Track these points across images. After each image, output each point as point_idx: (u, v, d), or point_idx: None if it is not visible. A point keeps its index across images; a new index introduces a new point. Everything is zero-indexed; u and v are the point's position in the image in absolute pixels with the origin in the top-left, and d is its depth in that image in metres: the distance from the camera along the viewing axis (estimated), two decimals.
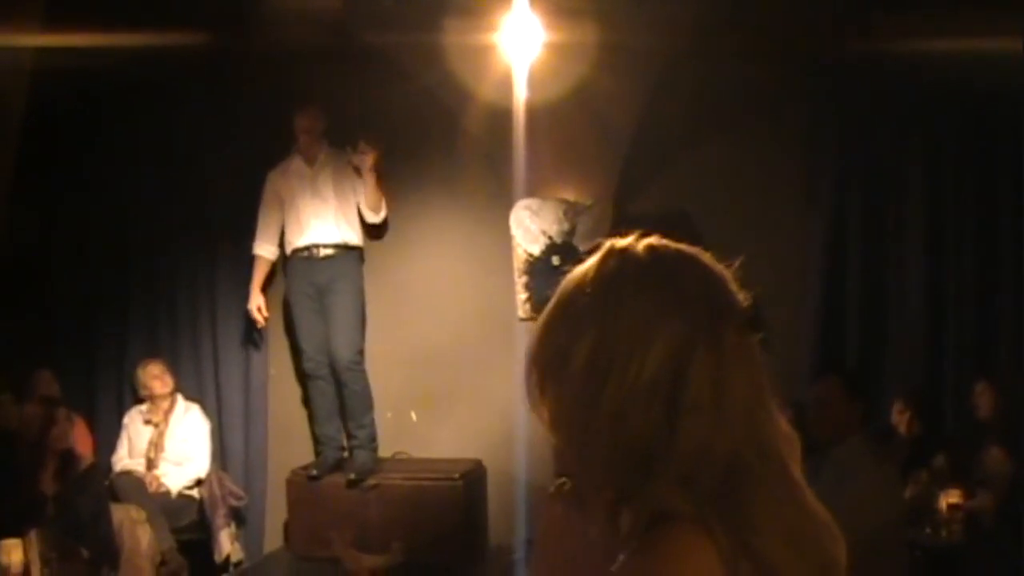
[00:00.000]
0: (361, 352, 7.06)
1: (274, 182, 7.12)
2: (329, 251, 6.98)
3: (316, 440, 7.19)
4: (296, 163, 7.10)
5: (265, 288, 7.21)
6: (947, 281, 6.78)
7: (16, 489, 5.63)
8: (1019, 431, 5.74)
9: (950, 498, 5.59)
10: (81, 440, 6.66)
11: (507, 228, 6.97)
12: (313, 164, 7.06)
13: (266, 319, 7.17)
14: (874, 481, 4.57)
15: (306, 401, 7.29)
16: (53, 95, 6.53)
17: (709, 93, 6.86)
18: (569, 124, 6.70)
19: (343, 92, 7.08)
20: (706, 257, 1.39)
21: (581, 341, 1.33)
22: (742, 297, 1.37)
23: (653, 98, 6.69)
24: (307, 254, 6.98)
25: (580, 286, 1.38)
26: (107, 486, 6.53)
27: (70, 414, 6.17)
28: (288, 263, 7.09)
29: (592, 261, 1.40)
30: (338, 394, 7.05)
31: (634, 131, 6.85)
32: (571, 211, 6.88)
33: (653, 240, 1.40)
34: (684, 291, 1.34)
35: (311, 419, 7.23)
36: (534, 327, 1.41)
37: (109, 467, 6.96)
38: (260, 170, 7.15)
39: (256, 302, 7.13)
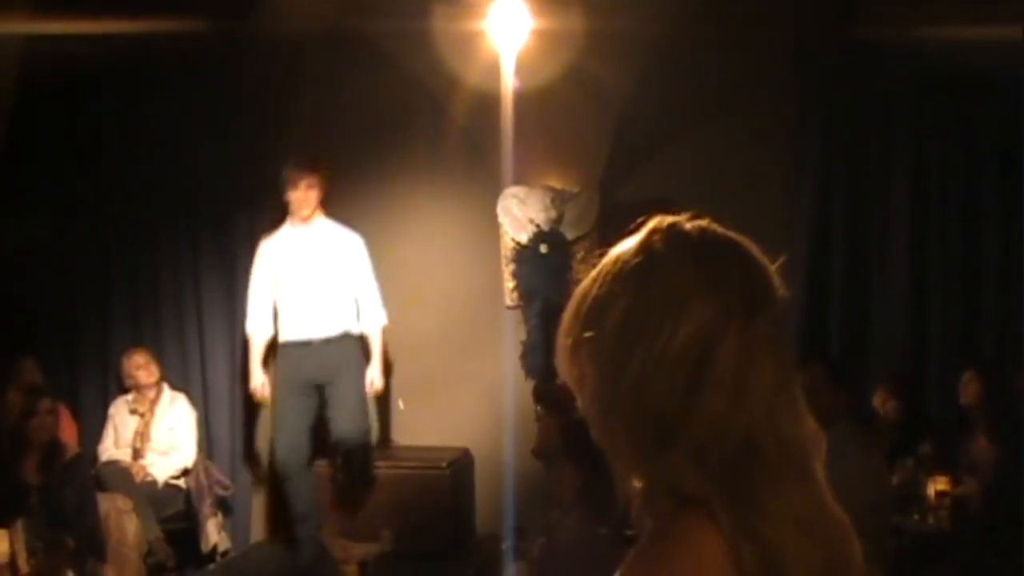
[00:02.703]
0: (367, 432, 6.83)
1: (266, 256, 6.75)
2: (326, 343, 6.65)
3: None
4: (290, 237, 6.72)
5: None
6: (933, 268, 6.78)
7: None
8: (1005, 420, 5.75)
9: (938, 485, 5.60)
10: (66, 430, 6.63)
11: (494, 216, 6.96)
12: (308, 239, 6.69)
13: (268, 398, 6.82)
14: (859, 467, 4.58)
15: None
16: (35, 82, 6.49)
17: (696, 80, 6.85)
18: (556, 111, 6.69)
19: (329, 79, 7.05)
20: (752, 247, 1.41)
21: (617, 305, 1.34)
22: (781, 292, 1.39)
23: (640, 85, 6.68)
24: (301, 345, 6.65)
25: (622, 254, 1.39)
26: (93, 476, 6.51)
27: (54, 404, 6.14)
28: (279, 349, 6.75)
29: (637, 235, 1.40)
30: (345, 480, 6.79)
31: (621, 118, 6.84)
32: (558, 199, 6.87)
33: (703, 221, 1.41)
34: (725, 272, 1.35)
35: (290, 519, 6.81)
36: (573, 292, 1.43)
37: (95, 457, 6.94)
38: (244, 158, 7.13)
39: (259, 380, 6.77)
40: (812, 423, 1.39)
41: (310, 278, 6.65)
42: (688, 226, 1.40)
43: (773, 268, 1.41)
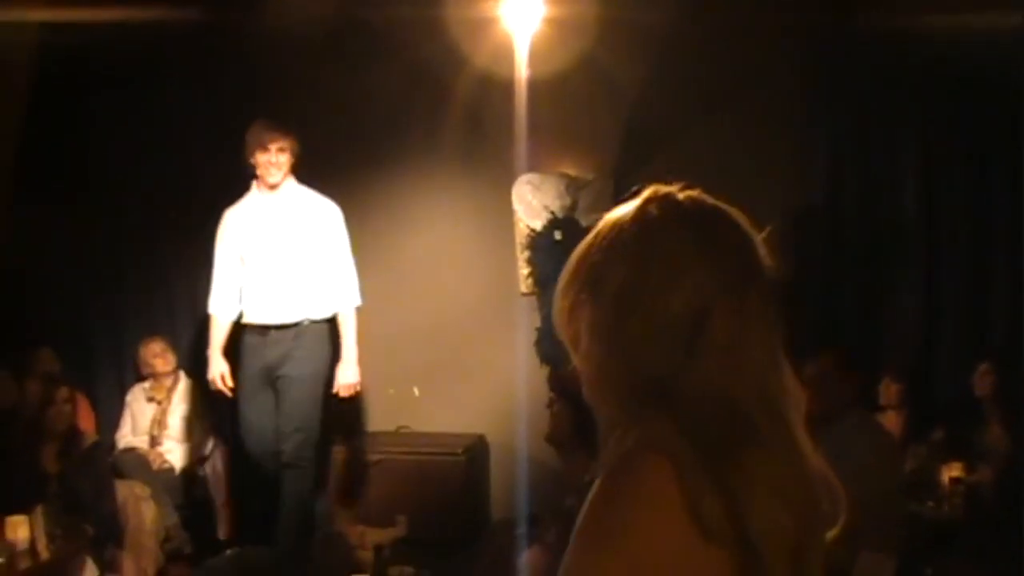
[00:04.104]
0: (313, 446, 6.20)
1: (231, 227, 6.16)
2: (285, 331, 6.04)
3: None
4: (256, 206, 6.12)
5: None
6: (946, 256, 6.76)
7: (19, 466, 5.65)
8: (1020, 409, 5.75)
9: (952, 472, 5.60)
10: (83, 418, 6.67)
11: (509, 203, 6.97)
12: (277, 209, 6.10)
13: (232, 389, 6.21)
14: (871, 453, 4.60)
15: None
16: (44, 73, 6.50)
17: (709, 67, 6.83)
18: (570, 98, 6.69)
19: (342, 67, 7.04)
20: (743, 218, 1.46)
21: (616, 271, 1.40)
22: (770, 262, 1.44)
23: (653, 72, 6.67)
24: (261, 331, 6.08)
25: (620, 222, 1.45)
26: (110, 463, 6.55)
27: (72, 392, 6.18)
28: (242, 334, 6.22)
29: (633, 203, 1.46)
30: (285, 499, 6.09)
31: (634, 105, 6.84)
32: (573, 186, 6.88)
33: (695, 192, 1.46)
34: (717, 242, 1.41)
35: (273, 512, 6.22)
36: (571, 257, 1.48)
37: (112, 444, 6.99)
38: None
39: (219, 369, 6.14)
40: (797, 388, 1.43)
41: (277, 255, 6.05)
42: (681, 196, 1.45)
43: (760, 239, 1.46)
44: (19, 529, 4.84)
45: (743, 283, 1.39)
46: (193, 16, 6.39)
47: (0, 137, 6.48)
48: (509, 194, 6.96)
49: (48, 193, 7.19)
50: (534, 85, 6.42)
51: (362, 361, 6.96)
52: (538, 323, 6.88)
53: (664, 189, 1.46)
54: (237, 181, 7.18)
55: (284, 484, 6.05)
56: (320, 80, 7.07)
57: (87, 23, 6.10)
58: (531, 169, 6.89)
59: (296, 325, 6.02)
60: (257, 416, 6.07)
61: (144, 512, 6.22)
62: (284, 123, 6.06)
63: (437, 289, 7.28)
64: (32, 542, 4.87)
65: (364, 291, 6.60)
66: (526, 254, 7.00)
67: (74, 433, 5.98)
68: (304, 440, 6.06)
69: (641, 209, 1.44)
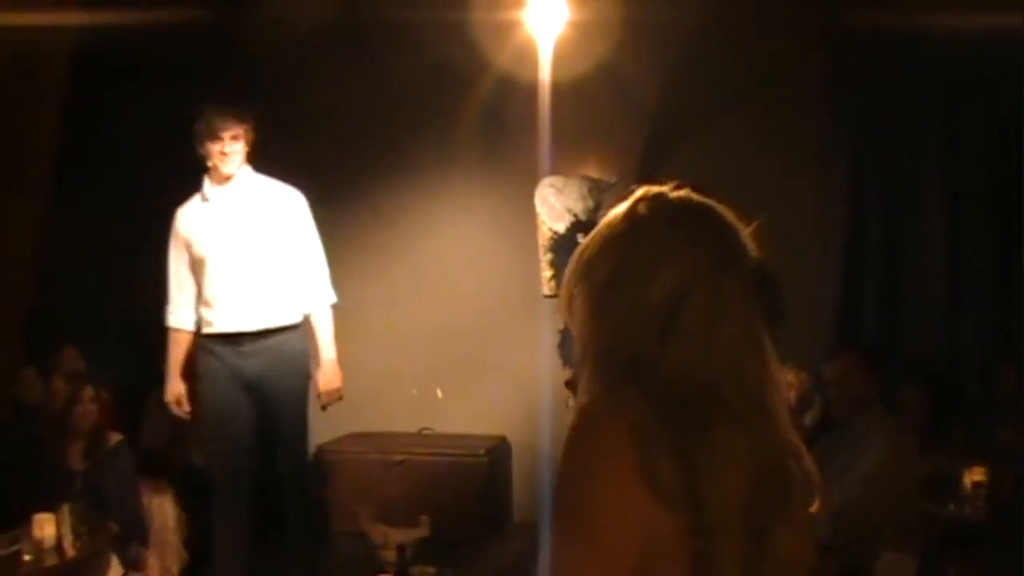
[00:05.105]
0: (306, 455, 5.82)
1: (183, 228, 5.47)
2: (256, 338, 5.37)
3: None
4: (210, 202, 5.42)
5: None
6: (967, 255, 6.75)
7: (45, 464, 5.70)
8: None
9: (974, 475, 5.57)
10: (108, 416, 6.71)
11: (532, 205, 6.99)
12: (233, 202, 5.40)
13: (189, 413, 5.54)
14: (889, 453, 4.60)
15: None
16: (67, 73, 6.53)
17: (732, 69, 6.85)
18: (593, 101, 6.71)
19: (366, 68, 7.07)
20: (728, 212, 1.56)
21: (604, 263, 1.54)
22: (752, 253, 1.52)
23: (676, 75, 6.68)
24: (232, 339, 5.38)
25: (613, 219, 1.58)
26: (135, 462, 6.59)
27: (98, 390, 6.22)
28: (200, 341, 5.47)
29: (628, 201, 1.58)
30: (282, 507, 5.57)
31: (657, 108, 6.85)
32: (596, 188, 6.90)
33: (683, 191, 1.58)
34: (698, 235, 1.51)
35: (218, 553, 5.56)
36: (574, 252, 1.61)
37: (137, 443, 7.02)
38: (277, 147, 7.12)
39: (176, 391, 5.49)
40: (777, 374, 1.50)
41: (240, 253, 5.35)
42: (671, 195, 1.57)
43: (747, 232, 1.55)
44: (46, 527, 4.87)
45: (720, 270, 1.47)
46: (218, 14, 6.42)
47: (36, 139, 6.52)
48: (532, 196, 6.97)
49: (74, 192, 7.23)
50: (557, 88, 6.43)
51: (385, 362, 7.00)
52: (560, 325, 6.89)
53: (655, 189, 1.59)
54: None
55: (287, 498, 5.57)
56: (345, 81, 7.10)
57: (98, 25, 6.13)
58: (554, 172, 6.91)
59: (271, 333, 5.38)
60: (236, 433, 5.45)
61: (168, 510, 6.25)
62: (238, 108, 5.41)
63: (460, 291, 7.31)
64: (58, 539, 4.90)
65: (388, 293, 6.61)
66: (548, 256, 7.01)
67: (99, 431, 6.01)
68: (299, 455, 5.68)
69: (632, 207, 1.57)
